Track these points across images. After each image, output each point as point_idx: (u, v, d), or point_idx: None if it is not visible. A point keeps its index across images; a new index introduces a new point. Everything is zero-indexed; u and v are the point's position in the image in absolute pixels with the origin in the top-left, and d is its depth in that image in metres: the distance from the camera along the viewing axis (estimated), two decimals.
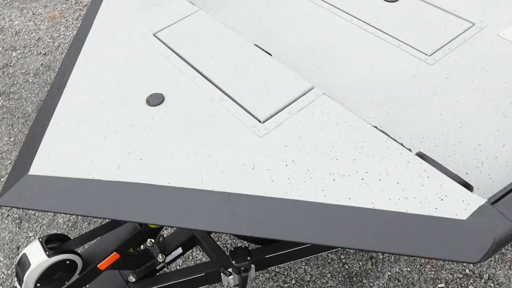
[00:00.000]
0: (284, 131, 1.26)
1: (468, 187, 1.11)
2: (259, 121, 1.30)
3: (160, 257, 1.79)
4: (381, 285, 2.25)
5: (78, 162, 1.25)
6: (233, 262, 1.54)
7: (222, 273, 1.76)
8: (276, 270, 2.32)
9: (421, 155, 1.17)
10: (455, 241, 1.00)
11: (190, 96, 1.40)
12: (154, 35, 1.64)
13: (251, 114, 1.32)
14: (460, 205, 1.04)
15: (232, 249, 1.58)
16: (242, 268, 1.54)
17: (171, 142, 1.27)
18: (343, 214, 1.07)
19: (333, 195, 1.10)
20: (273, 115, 1.31)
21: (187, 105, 1.37)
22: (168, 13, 1.73)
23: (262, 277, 2.29)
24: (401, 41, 1.63)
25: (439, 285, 2.22)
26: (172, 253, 1.84)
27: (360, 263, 2.34)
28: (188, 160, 1.22)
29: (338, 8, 1.81)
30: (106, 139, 1.30)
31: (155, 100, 1.39)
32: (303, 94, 1.36)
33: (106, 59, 1.57)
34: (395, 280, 2.26)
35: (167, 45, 1.59)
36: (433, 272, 2.27)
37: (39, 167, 1.26)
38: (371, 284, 2.26)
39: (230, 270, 1.76)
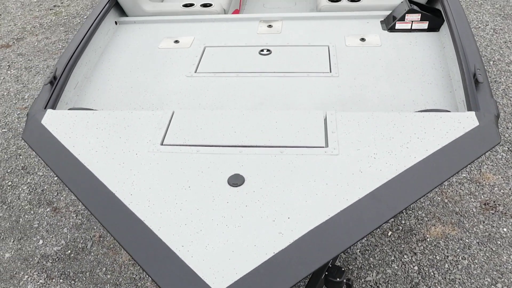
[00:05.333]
0: (345, 142, 1.62)
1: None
2: (323, 146, 1.61)
3: None
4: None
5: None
6: (337, 279, 1.74)
7: None
8: None
9: (422, 111, 1.76)
10: (483, 139, 1.61)
11: (258, 164, 1.57)
12: (162, 144, 1.68)
13: (314, 147, 1.62)
14: (465, 121, 1.66)
15: (326, 273, 1.77)
16: (344, 280, 1.76)
17: (295, 193, 1.44)
18: (428, 163, 1.53)
19: (415, 154, 1.55)
20: (327, 138, 1.64)
21: (265, 168, 1.54)
22: (148, 125, 1.77)
23: None
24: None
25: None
26: None
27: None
28: (317, 196, 1.43)
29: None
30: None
31: (237, 180, 1.50)
32: (326, 117, 1.74)
33: (148, 181, 1.52)
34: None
35: (185, 145, 1.67)
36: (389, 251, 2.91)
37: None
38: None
39: None
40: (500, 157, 3.38)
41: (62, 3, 6.37)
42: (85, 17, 5.87)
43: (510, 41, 4.69)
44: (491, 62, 4.39)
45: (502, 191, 3.12)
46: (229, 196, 1.45)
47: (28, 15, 6.09)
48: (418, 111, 1.78)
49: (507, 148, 3.45)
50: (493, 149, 3.44)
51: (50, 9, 6.22)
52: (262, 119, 1.76)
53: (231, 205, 1.42)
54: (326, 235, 1.32)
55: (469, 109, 1.75)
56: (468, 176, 3.26)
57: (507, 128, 3.63)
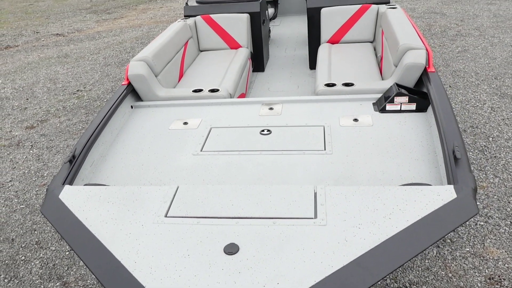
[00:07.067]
0: (332, 213, 1.75)
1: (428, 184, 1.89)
2: (312, 218, 1.74)
3: None
4: None
5: None
6: None
7: None
8: None
9: (405, 184, 1.90)
10: (460, 211, 1.72)
11: (252, 233, 1.70)
12: (166, 216, 1.83)
13: (304, 218, 1.75)
14: (444, 194, 1.78)
15: None
16: None
17: (285, 260, 1.55)
18: (409, 233, 1.64)
19: (397, 224, 1.66)
20: (316, 210, 1.78)
21: (258, 238, 1.67)
22: (154, 199, 1.93)
23: None
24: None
25: None
26: None
27: None
28: (305, 263, 1.54)
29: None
30: None
31: (232, 248, 1.62)
32: (316, 191, 1.89)
33: (151, 250, 1.65)
34: None
35: (187, 216, 1.81)
36: None
37: None
38: None
39: None
40: (503, 231, 3.42)
41: (84, 87, 6.89)
42: (105, 100, 6.32)
43: (508, 119, 4.89)
44: (490, 139, 4.55)
45: (506, 265, 3.12)
46: (224, 264, 1.57)
47: (53, 99, 6.58)
48: (402, 185, 1.92)
49: (509, 222, 3.49)
50: (495, 223, 3.48)
51: (74, 93, 6.71)
52: (258, 193, 1.92)
53: (225, 272, 1.53)
54: None
55: (449, 182, 1.88)
56: (472, 250, 3.28)
57: (509, 202, 3.69)
